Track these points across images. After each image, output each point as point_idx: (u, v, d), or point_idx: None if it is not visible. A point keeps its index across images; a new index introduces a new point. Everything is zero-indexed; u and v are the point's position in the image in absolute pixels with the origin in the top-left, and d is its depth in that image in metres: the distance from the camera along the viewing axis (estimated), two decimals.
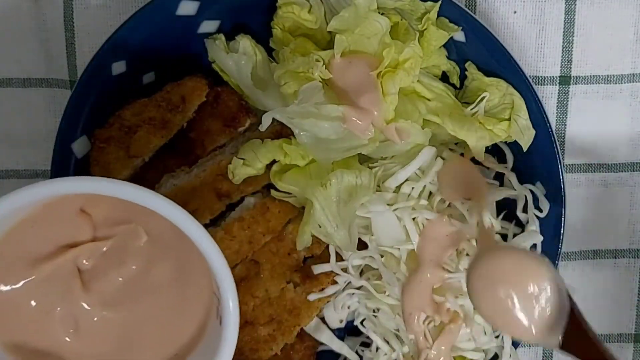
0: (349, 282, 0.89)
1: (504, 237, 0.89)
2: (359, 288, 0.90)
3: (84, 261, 0.79)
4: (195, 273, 0.79)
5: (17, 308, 0.79)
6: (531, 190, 0.89)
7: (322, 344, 0.92)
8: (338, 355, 0.93)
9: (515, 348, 0.90)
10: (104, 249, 0.79)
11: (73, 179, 0.75)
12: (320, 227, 0.85)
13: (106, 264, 0.79)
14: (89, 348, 0.80)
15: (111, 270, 0.79)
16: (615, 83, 0.94)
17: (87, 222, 0.79)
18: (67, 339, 0.80)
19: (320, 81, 0.81)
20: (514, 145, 0.88)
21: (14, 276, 0.78)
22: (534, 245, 0.89)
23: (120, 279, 0.79)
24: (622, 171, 0.96)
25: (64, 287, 0.79)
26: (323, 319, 0.92)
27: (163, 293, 0.80)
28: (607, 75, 0.94)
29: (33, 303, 0.79)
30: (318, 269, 0.88)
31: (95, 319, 0.80)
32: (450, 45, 0.87)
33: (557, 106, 0.95)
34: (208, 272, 0.77)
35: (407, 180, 0.87)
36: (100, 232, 0.79)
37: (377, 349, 0.91)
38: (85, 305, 0.80)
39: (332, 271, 0.89)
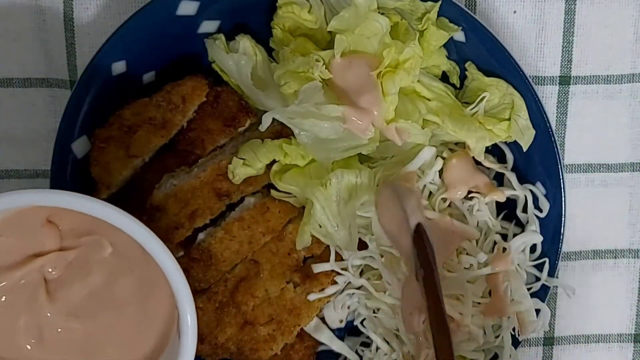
0: (349, 282, 0.89)
1: (504, 237, 0.89)
2: (359, 288, 0.90)
3: (50, 270, 0.79)
4: (158, 286, 0.80)
5: None
6: (531, 190, 0.89)
7: (322, 344, 0.92)
8: (338, 355, 0.93)
9: (515, 348, 0.90)
10: (70, 259, 0.79)
11: (36, 192, 0.75)
12: (320, 227, 0.85)
13: (72, 275, 0.79)
14: (51, 358, 0.80)
15: (76, 280, 0.79)
16: (615, 83, 0.94)
17: (54, 232, 0.79)
18: (28, 347, 0.80)
19: (320, 81, 0.81)
20: (514, 145, 0.88)
21: None
22: (534, 246, 0.89)
23: (85, 289, 0.80)
24: (622, 171, 0.96)
25: (29, 296, 0.79)
26: (323, 319, 0.92)
27: (126, 305, 0.80)
28: (607, 75, 0.94)
29: None
30: (318, 268, 0.88)
31: (59, 329, 0.80)
32: (450, 45, 0.87)
33: (557, 106, 0.95)
34: (169, 285, 0.77)
35: None
36: (66, 242, 0.79)
37: (377, 349, 0.91)
38: (50, 315, 0.79)
39: (332, 271, 0.89)
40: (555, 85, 0.94)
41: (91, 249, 0.79)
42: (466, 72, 0.88)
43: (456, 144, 0.90)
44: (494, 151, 0.90)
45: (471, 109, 0.87)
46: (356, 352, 0.93)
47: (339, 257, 0.89)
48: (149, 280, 0.80)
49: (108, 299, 0.80)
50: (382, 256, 0.88)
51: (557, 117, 0.95)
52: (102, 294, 0.80)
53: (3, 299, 0.79)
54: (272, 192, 0.87)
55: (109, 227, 0.76)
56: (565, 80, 0.94)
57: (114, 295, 0.80)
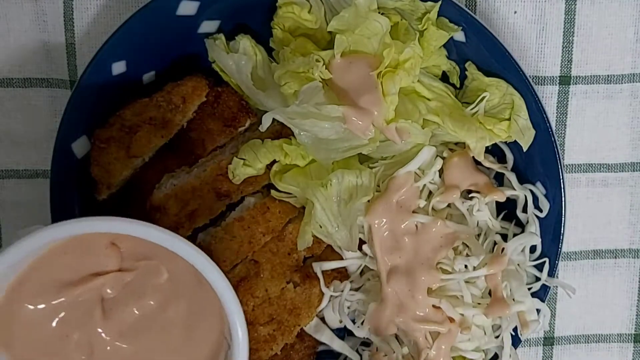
0: (350, 282, 0.89)
1: (504, 237, 0.89)
2: (359, 288, 0.90)
3: (108, 290, 0.81)
4: (207, 314, 0.81)
5: (39, 327, 0.79)
6: (531, 190, 0.89)
7: (322, 344, 0.92)
8: (338, 355, 0.93)
9: (515, 348, 0.90)
10: (127, 280, 0.81)
11: (104, 220, 0.77)
12: (321, 227, 0.85)
13: (127, 296, 0.81)
14: None
15: (131, 302, 0.81)
16: (615, 83, 0.94)
17: (116, 254, 0.80)
18: None
19: (320, 81, 0.81)
20: (514, 145, 0.88)
21: (41, 298, 0.79)
22: (534, 246, 0.89)
23: (137, 312, 0.81)
24: (622, 171, 0.96)
25: (85, 314, 0.80)
26: (323, 319, 0.92)
27: (175, 329, 0.82)
28: (607, 75, 0.94)
29: (54, 325, 0.80)
30: (319, 267, 0.88)
31: (108, 347, 0.81)
32: (450, 45, 0.87)
33: (557, 106, 0.95)
34: (220, 316, 0.79)
35: None
36: (125, 264, 0.81)
37: (377, 349, 0.91)
38: (102, 333, 0.81)
39: (332, 271, 0.89)
40: (555, 85, 0.94)
41: (148, 274, 0.81)
42: (466, 72, 0.88)
43: (456, 144, 0.90)
44: (494, 151, 0.90)
45: (471, 109, 0.87)
46: (356, 351, 0.93)
47: (339, 257, 0.89)
48: (199, 308, 0.81)
49: (158, 322, 0.81)
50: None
51: (557, 117, 0.95)
52: (153, 317, 0.81)
53: (62, 315, 0.80)
54: (272, 192, 0.87)
55: (167, 254, 0.77)
56: (565, 80, 0.94)
57: (164, 319, 0.81)
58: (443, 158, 0.88)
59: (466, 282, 0.87)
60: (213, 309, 0.79)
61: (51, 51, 0.91)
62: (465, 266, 0.87)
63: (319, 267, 0.88)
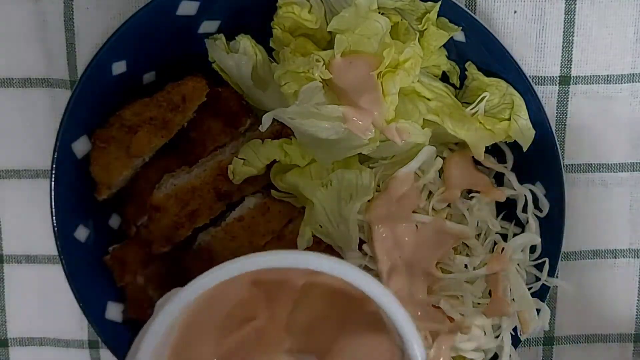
0: None
1: (504, 237, 0.89)
2: None
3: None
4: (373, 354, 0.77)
5: None
6: (531, 190, 0.89)
7: None
8: None
9: (515, 348, 0.90)
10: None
11: (270, 255, 0.71)
12: (321, 227, 0.85)
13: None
14: None
15: None
16: (615, 83, 0.94)
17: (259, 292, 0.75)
18: None
19: (320, 81, 0.81)
20: (514, 145, 0.89)
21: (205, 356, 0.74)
22: (534, 246, 0.89)
23: None
24: (622, 171, 0.96)
25: None
26: None
27: None
28: (607, 75, 0.94)
29: None
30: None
31: None
32: (450, 45, 0.87)
33: (557, 106, 0.95)
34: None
35: None
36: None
37: None
38: None
39: None
40: (555, 85, 0.94)
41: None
42: (466, 72, 0.88)
43: (456, 144, 0.90)
44: (494, 151, 0.90)
45: (471, 109, 0.87)
46: None
47: (339, 257, 0.89)
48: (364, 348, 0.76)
49: None
50: None
51: (557, 117, 0.95)
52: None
53: None
54: (272, 192, 0.87)
55: (307, 274, 0.72)
56: (565, 80, 0.94)
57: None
58: (443, 158, 0.88)
59: (466, 282, 0.87)
60: (380, 346, 0.75)
61: (51, 51, 0.91)
62: (465, 266, 0.87)
63: None
